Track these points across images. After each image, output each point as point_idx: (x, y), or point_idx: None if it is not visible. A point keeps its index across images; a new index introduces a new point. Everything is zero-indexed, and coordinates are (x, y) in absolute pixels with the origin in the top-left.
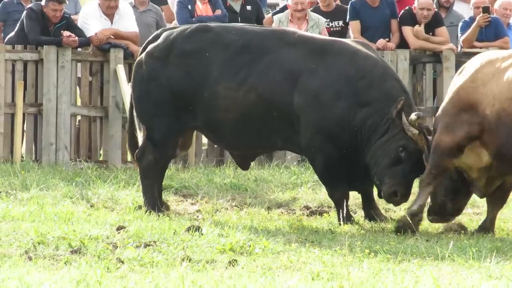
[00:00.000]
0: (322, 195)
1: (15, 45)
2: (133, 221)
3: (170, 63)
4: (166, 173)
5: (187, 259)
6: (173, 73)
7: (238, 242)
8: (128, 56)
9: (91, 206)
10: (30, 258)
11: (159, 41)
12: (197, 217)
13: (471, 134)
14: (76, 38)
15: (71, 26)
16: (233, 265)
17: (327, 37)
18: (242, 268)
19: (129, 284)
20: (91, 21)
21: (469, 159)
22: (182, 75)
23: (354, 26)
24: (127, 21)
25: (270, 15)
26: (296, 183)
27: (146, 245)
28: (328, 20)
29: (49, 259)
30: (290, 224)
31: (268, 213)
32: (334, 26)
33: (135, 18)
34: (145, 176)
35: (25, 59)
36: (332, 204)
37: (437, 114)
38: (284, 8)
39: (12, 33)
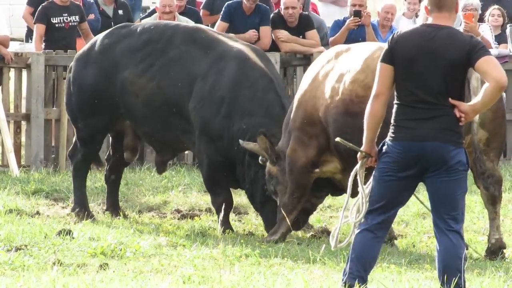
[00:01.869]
0: (193, 198)
1: None
2: (4, 224)
3: (89, 62)
4: (36, 177)
5: (58, 263)
6: (92, 71)
7: (109, 246)
8: None
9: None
10: None
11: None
12: (68, 220)
13: (321, 147)
14: None
15: None
16: (104, 269)
17: (230, 41)
18: (114, 272)
19: None
20: None
21: (328, 167)
22: (99, 71)
23: (221, 27)
24: None
25: (138, 19)
26: (167, 187)
27: (17, 249)
28: None
29: None
30: (161, 227)
31: (139, 216)
32: None
33: (5, 22)
34: (74, 175)
35: None
36: (203, 208)
37: (288, 122)
38: (153, 11)
39: None
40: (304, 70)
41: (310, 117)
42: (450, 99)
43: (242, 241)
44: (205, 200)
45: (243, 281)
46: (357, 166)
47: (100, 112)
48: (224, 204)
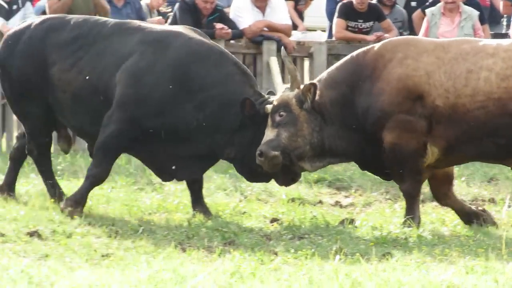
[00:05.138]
0: (476, 188)
1: None
2: (287, 213)
3: (18, 50)
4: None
5: (340, 251)
6: (20, 61)
7: (392, 235)
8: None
9: (245, 198)
10: (184, 250)
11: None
12: (351, 210)
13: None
14: (229, 30)
15: (224, 18)
16: (387, 258)
17: (167, 27)
18: (396, 261)
19: (282, 276)
20: (243, 13)
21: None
22: (27, 62)
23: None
24: (279, 14)
25: (419, 10)
26: None
27: (300, 238)
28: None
29: (203, 251)
30: (444, 217)
31: (423, 206)
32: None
33: (287, 11)
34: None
35: None
36: (486, 198)
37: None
38: (436, 1)
39: (167, 24)
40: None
41: (420, 99)
42: None
43: None
44: (489, 190)
45: None
46: None
47: (33, 103)
48: (96, 177)
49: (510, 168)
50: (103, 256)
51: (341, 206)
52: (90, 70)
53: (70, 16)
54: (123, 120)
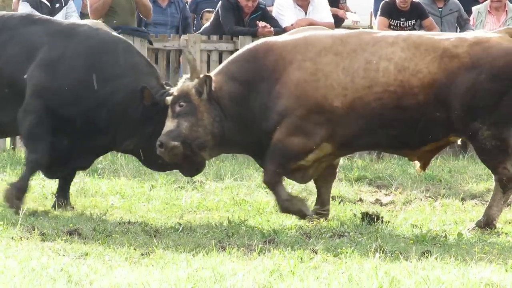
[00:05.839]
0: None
1: (211, 36)
2: None
3: None
4: (359, 164)
5: (380, 249)
6: None
7: (431, 233)
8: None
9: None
10: (223, 248)
11: None
12: (391, 208)
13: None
14: (272, 28)
15: (266, 16)
16: (426, 256)
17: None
18: (435, 259)
19: (322, 274)
20: (285, 11)
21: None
22: None
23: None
24: (321, 12)
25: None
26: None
27: (340, 236)
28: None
29: (243, 249)
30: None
31: (462, 204)
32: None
33: (329, 9)
34: None
35: (220, 50)
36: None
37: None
38: None
39: (207, 24)
40: None
41: (318, 106)
42: None
43: None
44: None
45: None
46: None
47: None
48: (34, 162)
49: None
50: (142, 254)
51: (381, 204)
52: None
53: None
54: (39, 110)
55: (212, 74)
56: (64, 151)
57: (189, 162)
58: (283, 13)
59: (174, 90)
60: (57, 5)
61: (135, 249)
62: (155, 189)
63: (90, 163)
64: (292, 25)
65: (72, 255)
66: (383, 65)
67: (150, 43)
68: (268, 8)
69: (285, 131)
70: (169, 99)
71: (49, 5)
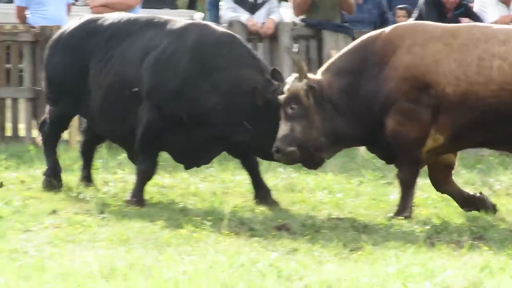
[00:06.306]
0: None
1: None
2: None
3: (57, 55)
4: None
5: None
6: (60, 65)
7: None
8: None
9: (493, 193)
10: (432, 244)
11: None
12: None
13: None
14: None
15: (469, 13)
16: None
17: (191, 21)
18: None
19: None
20: (488, 8)
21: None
22: (66, 66)
23: None
24: None
25: None
26: None
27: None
28: None
29: (452, 245)
30: None
31: None
32: None
33: None
34: (45, 142)
35: None
36: None
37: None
38: None
39: (411, 20)
40: None
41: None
42: None
43: None
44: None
45: None
46: None
47: (65, 103)
48: (146, 172)
49: None
50: (351, 250)
51: None
52: (117, 67)
53: (103, 18)
54: (153, 113)
55: (319, 72)
56: (188, 147)
57: (309, 159)
58: (486, 9)
59: (285, 90)
60: (260, 0)
61: (344, 245)
62: (362, 185)
63: (209, 159)
64: (495, 21)
65: (281, 251)
66: (497, 64)
67: (354, 39)
68: (470, 5)
69: (396, 118)
70: (281, 98)
71: (252, 0)
